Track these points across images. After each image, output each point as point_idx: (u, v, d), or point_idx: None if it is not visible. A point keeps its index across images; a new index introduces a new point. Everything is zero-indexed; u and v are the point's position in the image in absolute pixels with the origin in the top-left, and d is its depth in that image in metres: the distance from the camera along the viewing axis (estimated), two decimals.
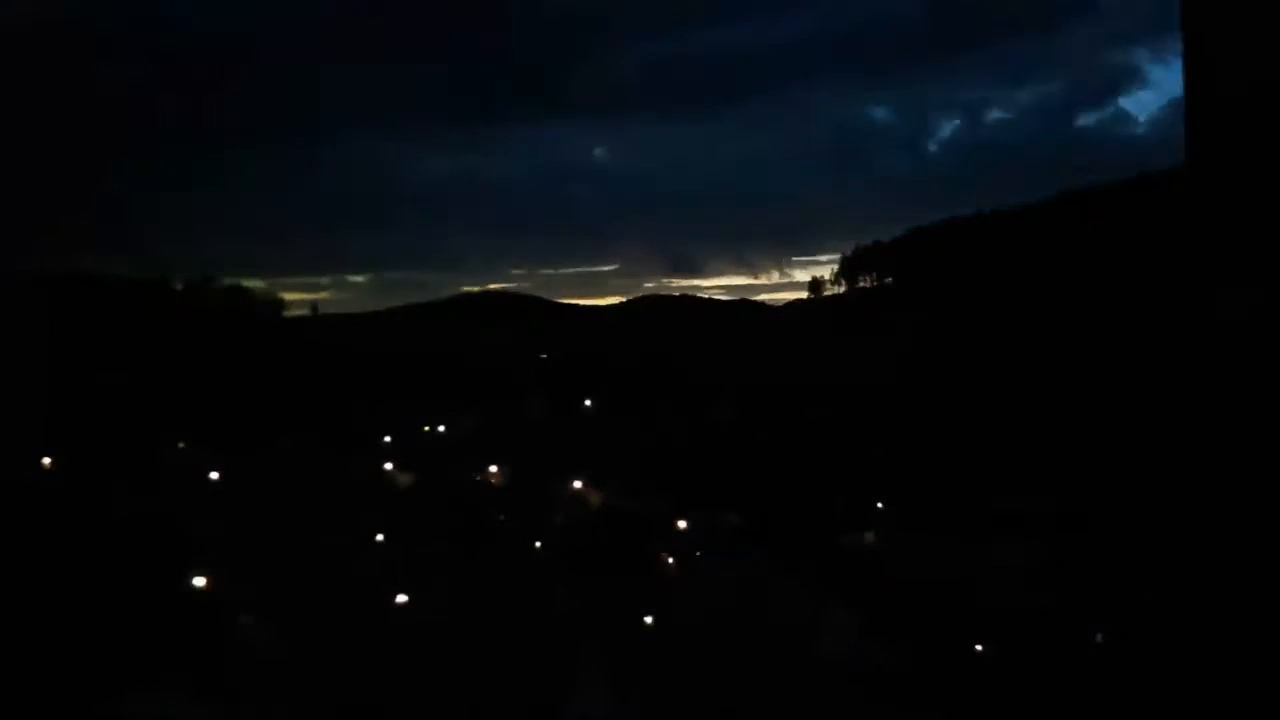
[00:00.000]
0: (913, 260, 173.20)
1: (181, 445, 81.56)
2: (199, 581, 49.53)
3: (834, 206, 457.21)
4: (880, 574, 58.10)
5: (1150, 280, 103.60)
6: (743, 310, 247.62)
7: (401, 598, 51.61)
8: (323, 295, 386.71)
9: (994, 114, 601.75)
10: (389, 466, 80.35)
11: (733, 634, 46.89)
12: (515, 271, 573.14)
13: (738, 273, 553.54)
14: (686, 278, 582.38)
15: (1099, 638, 47.82)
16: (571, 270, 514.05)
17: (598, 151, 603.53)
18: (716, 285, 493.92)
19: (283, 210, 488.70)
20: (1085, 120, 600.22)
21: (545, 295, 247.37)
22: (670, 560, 62.03)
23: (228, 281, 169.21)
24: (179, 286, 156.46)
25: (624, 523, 63.78)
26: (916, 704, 42.69)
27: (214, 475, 71.75)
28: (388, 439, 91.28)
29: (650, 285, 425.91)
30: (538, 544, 64.49)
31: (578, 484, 76.65)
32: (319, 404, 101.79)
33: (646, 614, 51.84)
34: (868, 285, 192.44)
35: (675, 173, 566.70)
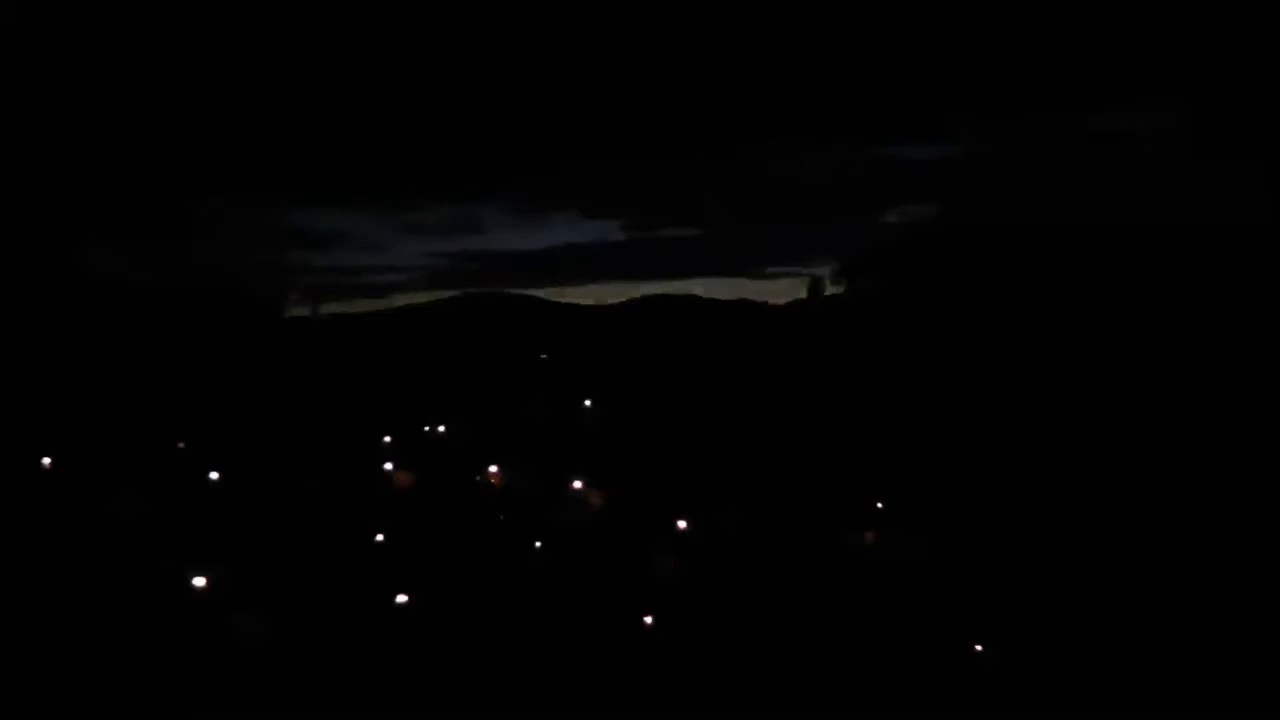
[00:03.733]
0: (912, 260, 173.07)
1: (181, 445, 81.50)
2: (199, 581, 49.56)
3: None
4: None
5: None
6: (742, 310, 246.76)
7: (401, 598, 51.64)
8: None
9: None
10: (389, 466, 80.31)
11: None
12: None
13: None
14: None
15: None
16: None
17: None
18: None
19: None
20: None
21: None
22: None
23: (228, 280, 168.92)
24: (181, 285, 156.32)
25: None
26: None
27: (214, 475, 71.77)
28: (388, 439, 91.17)
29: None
30: (538, 544, 64.46)
31: (577, 484, 76.65)
32: (319, 403, 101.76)
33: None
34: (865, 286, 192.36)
35: None
